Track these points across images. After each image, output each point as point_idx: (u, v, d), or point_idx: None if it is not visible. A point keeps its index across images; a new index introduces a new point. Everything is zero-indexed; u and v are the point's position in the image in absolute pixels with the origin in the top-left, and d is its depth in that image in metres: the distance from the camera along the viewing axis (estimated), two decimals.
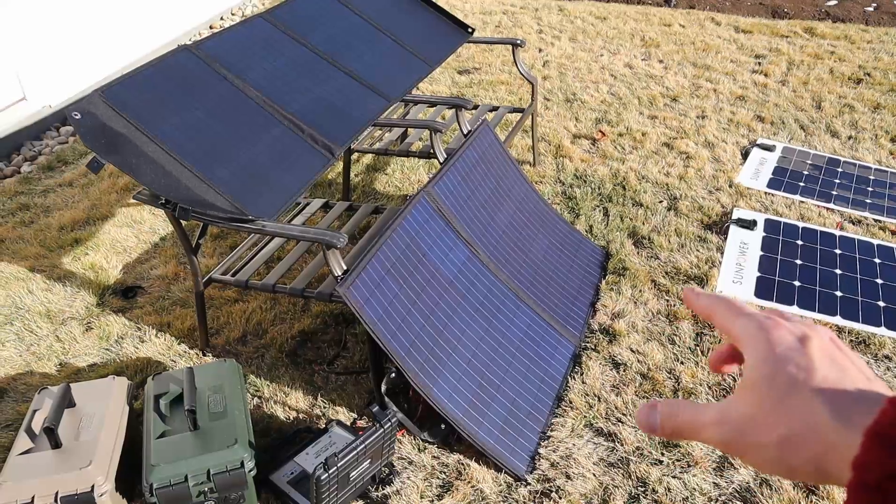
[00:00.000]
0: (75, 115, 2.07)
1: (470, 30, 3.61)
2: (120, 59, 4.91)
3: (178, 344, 2.70)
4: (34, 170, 3.97)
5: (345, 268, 2.15)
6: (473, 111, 3.68)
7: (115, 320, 2.83)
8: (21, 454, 1.91)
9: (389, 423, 1.96)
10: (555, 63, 5.31)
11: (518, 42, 3.61)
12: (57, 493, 1.83)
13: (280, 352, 2.66)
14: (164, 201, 2.19)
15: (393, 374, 2.16)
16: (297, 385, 2.51)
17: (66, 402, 2.01)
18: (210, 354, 2.65)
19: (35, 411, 2.06)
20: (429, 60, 3.27)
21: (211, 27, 5.94)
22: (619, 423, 2.37)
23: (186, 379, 2.08)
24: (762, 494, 2.12)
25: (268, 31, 2.83)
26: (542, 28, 6.02)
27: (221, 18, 6.12)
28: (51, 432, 1.88)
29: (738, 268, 3.06)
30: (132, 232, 3.41)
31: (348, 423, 2.33)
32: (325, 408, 2.42)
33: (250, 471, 1.93)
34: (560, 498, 2.11)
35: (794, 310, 2.83)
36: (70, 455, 1.90)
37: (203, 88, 2.43)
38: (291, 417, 2.38)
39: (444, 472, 2.20)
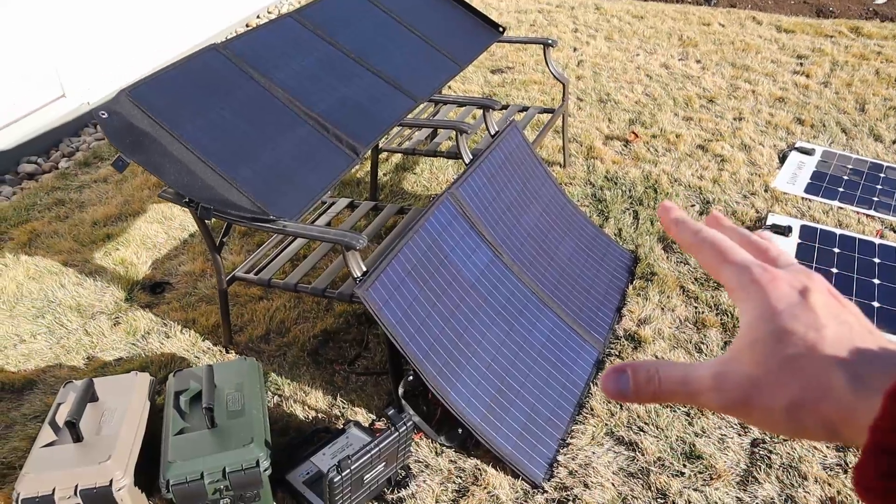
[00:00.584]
0: (102, 114, 2.10)
1: (501, 29, 3.58)
2: (157, 57, 4.99)
3: (203, 340, 2.73)
4: (71, 166, 4.05)
5: (364, 269, 2.14)
6: (503, 111, 3.64)
7: (142, 315, 2.87)
8: (44, 446, 1.95)
9: (405, 427, 1.95)
10: (589, 63, 5.24)
11: (549, 42, 3.56)
12: (77, 486, 1.86)
13: (302, 350, 2.67)
14: (187, 200, 2.21)
15: (411, 377, 2.15)
16: (317, 384, 2.52)
17: (89, 396, 2.04)
18: (233, 351, 2.67)
19: (59, 405, 2.10)
20: (458, 60, 3.25)
21: (247, 25, 6.00)
22: (641, 433, 2.32)
23: (206, 376, 2.10)
24: None
25: (296, 30, 2.84)
26: (577, 27, 5.95)
27: (258, 17, 6.18)
28: (72, 426, 1.91)
29: None
30: (162, 228, 3.45)
31: (366, 425, 2.33)
32: (344, 408, 2.42)
33: (265, 470, 1.93)
34: None
35: None
36: (91, 449, 1.93)
37: (229, 88, 2.44)
38: (310, 417, 2.39)
39: (461, 477, 2.18)
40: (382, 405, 2.44)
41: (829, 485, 2.13)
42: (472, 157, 2.81)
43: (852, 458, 2.21)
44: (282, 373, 2.57)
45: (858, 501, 2.07)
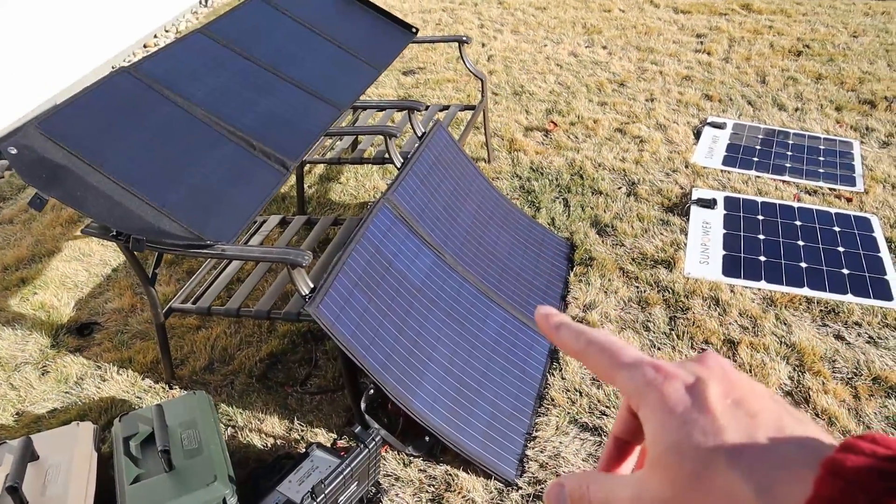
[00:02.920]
0: (11, 150, 1.95)
1: (414, 29, 3.56)
2: (51, 86, 4.72)
3: (143, 379, 2.59)
4: None
5: (311, 286, 2.07)
6: (424, 112, 3.62)
7: (72, 361, 2.69)
8: None
9: (374, 442, 1.90)
10: (499, 57, 5.29)
11: (464, 39, 3.56)
12: None
13: (250, 377, 2.57)
14: (115, 233, 2.08)
15: (371, 391, 2.10)
16: (271, 410, 2.43)
17: (29, 455, 1.89)
18: (177, 387, 2.54)
19: None
20: (375, 64, 3.21)
21: (145, 46, 5.76)
22: (604, 416, 2.35)
23: (156, 417, 1.98)
24: None
25: (207, 46, 2.73)
26: (483, 23, 6.00)
27: (155, 36, 5.93)
28: (14, 491, 1.76)
29: (703, 248, 3.08)
30: (81, 266, 3.26)
31: (328, 445, 2.26)
32: (303, 431, 2.34)
33: None
34: None
35: (762, 285, 2.85)
36: None
37: (146, 111, 2.32)
38: (269, 444, 2.30)
39: (433, 486, 2.14)
40: (342, 423, 2.37)
41: None
42: (402, 161, 2.77)
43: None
44: (232, 402, 2.46)
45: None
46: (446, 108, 3.61)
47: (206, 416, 2.08)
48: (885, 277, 2.86)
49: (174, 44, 2.65)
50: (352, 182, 3.79)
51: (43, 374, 2.65)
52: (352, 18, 3.39)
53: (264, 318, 2.30)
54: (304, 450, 2.23)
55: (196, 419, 2.06)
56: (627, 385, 0.36)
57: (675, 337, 2.64)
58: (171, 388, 2.54)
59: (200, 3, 6.66)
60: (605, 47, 5.34)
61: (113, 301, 3.01)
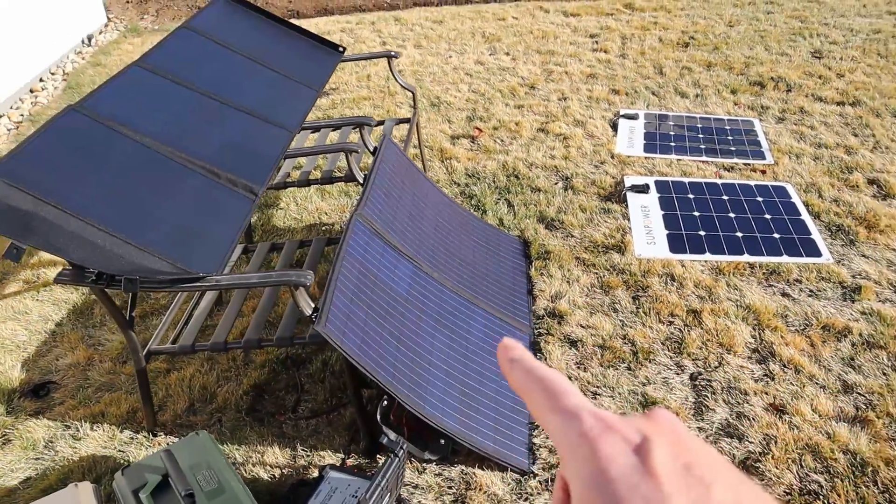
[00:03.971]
0: None
1: (341, 48, 3.57)
2: None
3: (121, 431, 2.45)
4: None
5: (313, 305, 2.05)
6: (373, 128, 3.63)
7: (35, 424, 2.52)
8: None
9: (402, 450, 1.90)
10: (408, 71, 5.37)
11: (392, 54, 3.62)
12: None
13: (238, 412, 2.49)
14: (94, 278, 1.98)
15: (385, 402, 2.10)
16: (268, 441, 2.37)
17: None
18: (161, 434, 2.43)
19: None
20: (313, 85, 3.20)
21: (32, 91, 5.43)
22: (597, 396, 2.44)
23: (167, 462, 1.90)
24: (743, 426, 2.28)
25: (147, 79, 2.64)
26: (384, 40, 6.06)
27: (41, 80, 5.61)
28: None
29: (647, 230, 3.26)
30: (19, 325, 3.04)
31: (339, 465, 2.23)
32: (308, 456, 2.30)
33: None
34: None
35: (707, 257, 3.06)
36: None
37: (104, 149, 2.22)
38: (276, 476, 2.24)
39: (452, 487, 2.16)
40: (345, 442, 2.35)
41: (766, 393, 2.38)
42: (364, 176, 2.79)
43: (775, 368, 2.49)
44: (225, 440, 2.38)
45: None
46: (381, 123, 3.64)
47: (217, 456, 2.01)
48: (811, 237, 3.14)
49: (113, 80, 2.54)
50: (293, 206, 3.74)
51: (5, 444, 2.46)
52: (283, 43, 3.37)
53: (255, 348, 2.25)
54: (317, 474, 2.19)
55: (207, 460, 1.99)
56: (557, 432, 0.31)
57: (642, 314, 2.79)
58: (154, 436, 2.43)
59: (83, 42, 6.35)
60: (507, 53, 5.53)
61: (66, 357, 2.83)
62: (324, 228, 3.54)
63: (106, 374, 2.72)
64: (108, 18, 7.09)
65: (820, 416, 2.30)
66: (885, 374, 2.44)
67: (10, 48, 5.23)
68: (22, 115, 5.15)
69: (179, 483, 1.82)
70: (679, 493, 0.27)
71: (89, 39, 6.45)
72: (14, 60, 5.29)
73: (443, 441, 2.20)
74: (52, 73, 5.76)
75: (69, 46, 6.12)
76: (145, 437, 2.43)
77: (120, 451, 2.38)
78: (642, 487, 0.27)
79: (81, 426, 2.48)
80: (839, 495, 2.05)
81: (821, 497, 2.06)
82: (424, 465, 2.22)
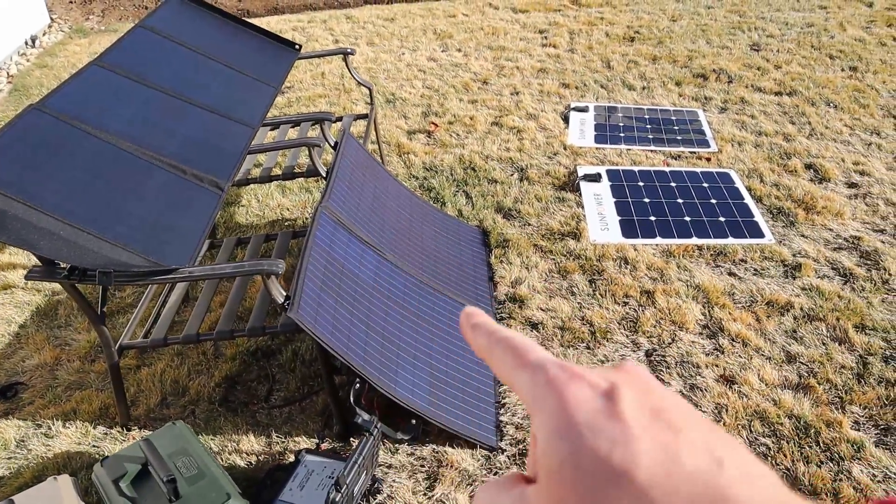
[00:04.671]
0: None
1: (297, 46, 3.62)
2: None
3: (94, 427, 2.47)
4: None
5: (284, 294, 2.11)
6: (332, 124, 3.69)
7: (6, 425, 2.51)
8: None
9: (376, 429, 1.98)
10: (362, 68, 5.42)
11: (348, 51, 3.68)
12: None
13: (211, 403, 2.54)
14: (66, 273, 2.01)
15: (357, 385, 2.17)
16: (243, 430, 2.42)
17: None
18: (135, 428, 2.46)
19: None
20: (271, 82, 3.24)
21: None
22: None
23: (148, 451, 1.94)
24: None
25: (108, 77, 2.66)
26: (336, 38, 6.10)
27: None
28: None
29: (600, 217, 3.40)
30: None
31: (313, 449, 2.30)
32: (283, 442, 2.36)
33: None
34: None
35: (658, 241, 3.21)
36: None
37: (69, 147, 2.24)
38: (253, 462, 2.30)
39: (425, 466, 2.25)
40: (319, 427, 2.42)
41: (716, 365, 2.53)
42: (327, 171, 2.85)
43: (724, 342, 2.64)
44: (200, 431, 2.42)
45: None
46: (340, 119, 3.70)
47: (195, 443, 2.06)
48: (754, 220, 3.32)
49: (73, 78, 2.55)
50: (254, 203, 3.77)
51: None
52: (237, 41, 3.40)
53: (228, 339, 2.30)
54: (293, 458, 2.26)
55: (185, 447, 2.04)
56: (524, 387, 0.31)
57: (598, 296, 2.92)
58: (128, 430, 2.45)
59: (27, 44, 6.23)
60: (459, 50, 5.64)
61: (32, 358, 2.82)
62: (286, 224, 3.59)
63: (75, 372, 2.73)
64: (52, 19, 6.96)
65: (766, 384, 2.46)
66: (824, 344, 2.62)
67: None
68: None
69: (160, 470, 1.86)
70: (647, 436, 0.26)
71: (33, 41, 6.33)
72: None
73: (414, 421, 2.29)
74: None
75: (12, 48, 5.99)
76: (119, 431, 2.45)
77: (94, 446, 2.40)
78: (609, 430, 0.26)
79: (53, 424, 2.49)
80: (786, 455, 2.20)
81: (769, 458, 2.22)
82: (397, 445, 2.31)
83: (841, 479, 2.11)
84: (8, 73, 5.72)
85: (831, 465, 2.17)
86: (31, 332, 2.96)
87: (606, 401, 0.27)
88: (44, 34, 6.59)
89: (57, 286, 3.14)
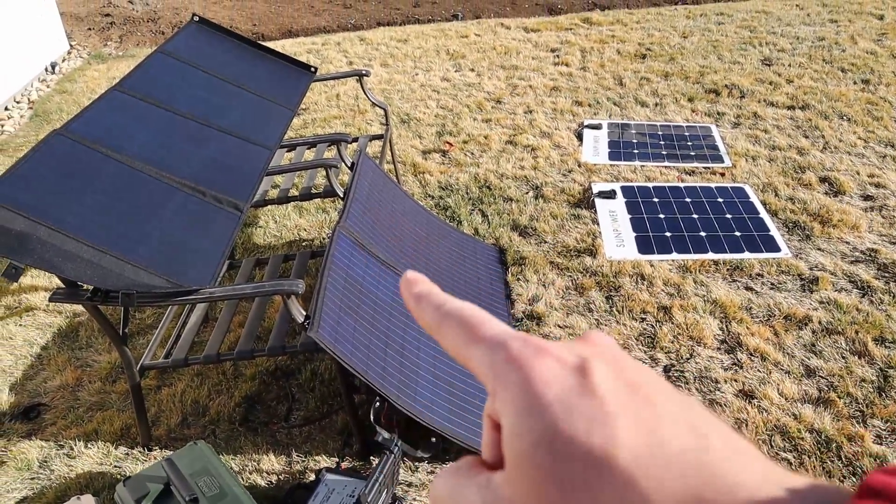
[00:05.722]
0: None
1: (313, 69, 3.67)
2: None
3: (116, 448, 2.49)
4: None
5: (304, 313, 2.13)
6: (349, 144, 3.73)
7: (28, 445, 2.54)
8: None
9: (397, 447, 1.99)
10: (377, 90, 5.48)
11: (364, 72, 3.72)
12: None
13: (231, 423, 2.55)
14: (89, 295, 2.04)
15: (377, 403, 2.18)
16: (263, 449, 2.43)
17: None
18: (157, 448, 2.48)
19: None
20: (288, 105, 3.29)
21: None
22: None
23: (170, 470, 1.96)
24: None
25: (129, 103, 2.71)
26: (350, 59, 6.17)
27: (6, 108, 5.60)
28: None
29: (616, 234, 3.40)
30: (4, 350, 3.06)
31: (334, 468, 2.30)
32: (303, 461, 2.37)
33: None
34: None
35: (674, 256, 3.21)
36: None
37: (91, 171, 2.28)
38: (274, 481, 2.31)
39: None
40: (339, 446, 2.42)
41: (735, 380, 2.52)
42: (344, 191, 2.88)
43: (743, 357, 2.63)
44: (220, 451, 2.44)
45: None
46: (356, 139, 3.74)
47: (216, 463, 2.07)
48: (770, 234, 3.31)
49: (95, 103, 2.61)
50: (272, 224, 3.81)
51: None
52: (254, 64, 3.46)
53: (248, 358, 2.32)
54: (314, 477, 2.26)
55: (207, 467, 2.05)
56: (482, 363, 0.28)
57: (616, 313, 2.92)
58: (149, 450, 2.47)
59: (47, 70, 6.35)
60: (472, 69, 5.69)
61: (54, 379, 2.85)
62: (304, 244, 3.62)
63: (96, 393, 2.75)
64: (71, 46, 7.09)
65: (786, 399, 2.45)
66: (843, 357, 2.60)
67: None
68: None
69: (183, 489, 1.88)
70: (626, 412, 0.24)
71: (53, 67, 6.45)
72: None
73: (433, 439, 2.29)
74: (17, 102, 5.75)
75: (33, 74, 6.11)
76: (140, 451, 2.47)
77: (116, 466, 2.42)
78: (584, 408, 0.24)
79: (75, 444, 2.51)
80: (808, 470, 2.18)
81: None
82: (417, 463, 2.31)
83: None
84: (29, 99, 5.83)
85: (854, 479, 2.14)
86: (53, 354, 3.00)
87: (578, 376, 0.25)
88: (63, 60, 6.72)
89: (78, 308, 3.18)
